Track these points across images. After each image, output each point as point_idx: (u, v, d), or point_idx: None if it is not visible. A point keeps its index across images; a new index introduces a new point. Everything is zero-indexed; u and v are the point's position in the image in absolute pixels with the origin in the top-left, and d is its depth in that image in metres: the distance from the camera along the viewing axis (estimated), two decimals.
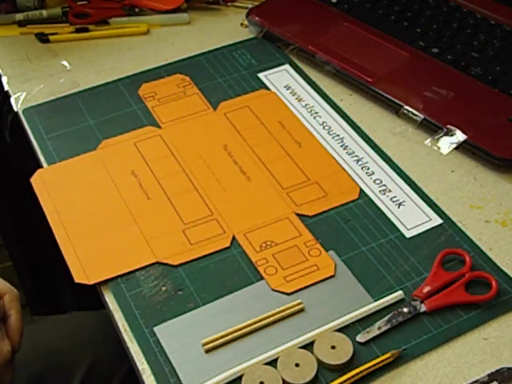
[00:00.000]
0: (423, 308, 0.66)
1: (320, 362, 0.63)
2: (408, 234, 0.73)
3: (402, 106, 0.85)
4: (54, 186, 0.78)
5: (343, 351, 0.63)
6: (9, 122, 0.93)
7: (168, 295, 0.69)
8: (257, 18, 0.97)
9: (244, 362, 0.63)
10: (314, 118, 0.86)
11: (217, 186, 0.78)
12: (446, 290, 0.67)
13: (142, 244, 0.73)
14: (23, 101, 0.89)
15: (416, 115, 0.84)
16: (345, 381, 0.61)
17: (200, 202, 0.76)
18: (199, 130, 0.85)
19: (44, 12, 1.00)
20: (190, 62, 0.94)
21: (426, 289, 0.67)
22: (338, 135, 0.84)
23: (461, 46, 0.91)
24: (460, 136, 0.80)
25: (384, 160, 0.81)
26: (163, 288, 0.69)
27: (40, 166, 0.81)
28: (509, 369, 0.62)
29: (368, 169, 0.80)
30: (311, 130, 0.84)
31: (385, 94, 0.86)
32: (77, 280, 0.70)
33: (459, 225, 0.74)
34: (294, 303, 0.67)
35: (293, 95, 0.89)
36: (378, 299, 0.67)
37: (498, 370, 0.62)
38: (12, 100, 0.89)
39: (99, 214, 0.75)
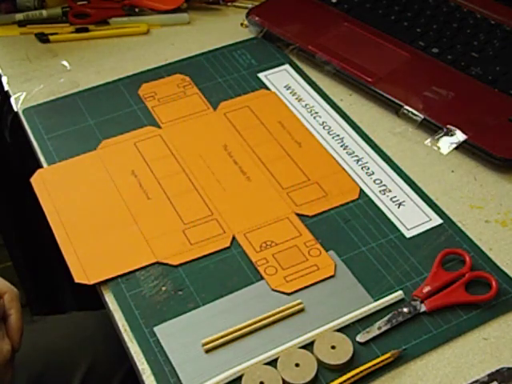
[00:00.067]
0: (423, 308, 0.66)
1: (320, 362, 0.63)
2: (408, 234, 0.73)
3: (401, 106, 0.85)
4: (54, 186, 0.78)
5: (343, 351, 0.63)
6: (9, 122, 0.93)
7: (168, 295, 0.69)
8: (257, 18, 0.97)
9: (244, 362, 0.63)
10: (314, 118, 0.86)
11: (217, 186, 0.78)
12: (445, 290, 0.67)
13: (141, 244, 0.73)
14: (23, 101, 0.89)
15: (416, 115, 0.84)
16: (345, 381, 0.61)
17: (200, 202, 0.76)
18: (199, 130, 0.85)
19: (44, 12, 1.00)
20: (190, 62, 0.94)
21: (426, 289, 0.67)
22: (337, 135, 0.84)
23: (461, 46, 0.91)
24: (460, 136, 0.80)
25: (384, 160, 0.81)
26: (163, 288, 0.69)
27: (40, 166, 0.81)
28: (509, 369, 0.62)
29: (368, 169, 0.80)
30: (311, 130, 0.84)
31: (385, 94, 0.86)
32: (77, 280, 0.70)
33: (459, 225, 0.74)
34: (294, 303, 0.67)
35: (293, 95, 0.89)
36: (377, 299, 0.67)
37: (498, 370, 0.62)
38: (12, 100, 0.89)
39: (99, 214, 0.75)
